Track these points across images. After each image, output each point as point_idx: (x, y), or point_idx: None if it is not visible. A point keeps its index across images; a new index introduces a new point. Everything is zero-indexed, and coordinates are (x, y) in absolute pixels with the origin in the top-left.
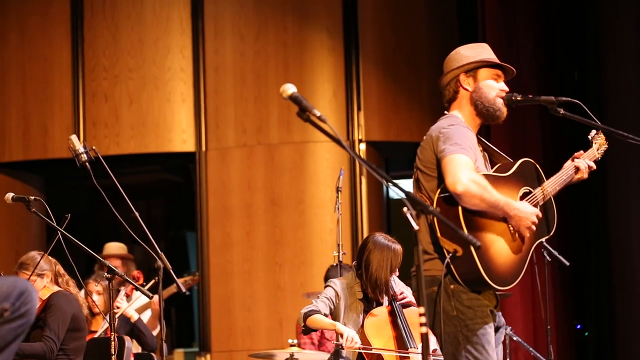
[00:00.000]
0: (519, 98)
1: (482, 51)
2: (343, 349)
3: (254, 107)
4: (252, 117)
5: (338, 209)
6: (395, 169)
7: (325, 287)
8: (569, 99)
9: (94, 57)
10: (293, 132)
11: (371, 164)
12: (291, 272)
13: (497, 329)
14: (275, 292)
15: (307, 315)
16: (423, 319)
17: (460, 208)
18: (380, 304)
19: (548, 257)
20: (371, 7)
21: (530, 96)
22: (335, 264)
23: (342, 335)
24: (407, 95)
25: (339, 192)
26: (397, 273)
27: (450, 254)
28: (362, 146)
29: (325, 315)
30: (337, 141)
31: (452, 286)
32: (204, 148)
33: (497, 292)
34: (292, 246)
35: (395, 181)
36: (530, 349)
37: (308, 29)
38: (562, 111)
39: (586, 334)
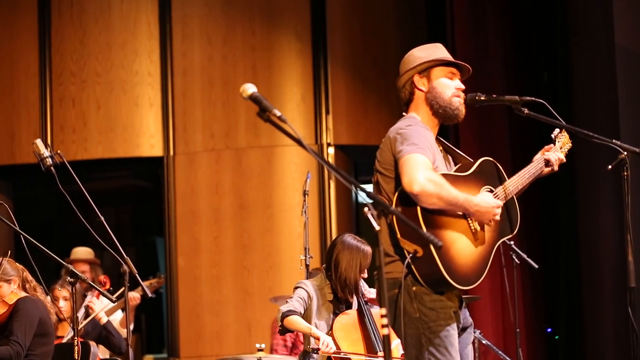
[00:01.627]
0: (482, 98)
1: (435, 51)
2: (318, 353)
3: (222, 111)
4: (220, 121)
5: (305, 212)
6: (364, 172)
7: (296, 288)
8: (533, 98)
9: (61, 61)
10: (261, 136)
11: (332, 165)
12: (259, 277)
13: (463, 330)
14: (244, 297)
15: (285, 315)
16: (385, 320)
17: (418, 208)
18: (350, 306)
19: (517, 260)
20: (339, 11)
21: (495, 96)
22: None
23: (317, 340)
24: (376, 98)
25: (306, 196)
26: (367, 275)
27: (411, 255)
28: (331, 150)
29: (300, 315)
30: (297, 141)
31: (414, 288)
32: (171, 152)
33: (461, 293)
34: (261, 251)
35: (361, 185)
36: (500, 352)
37: (276, 33)
38: (526, 111)
39: (556, 337)
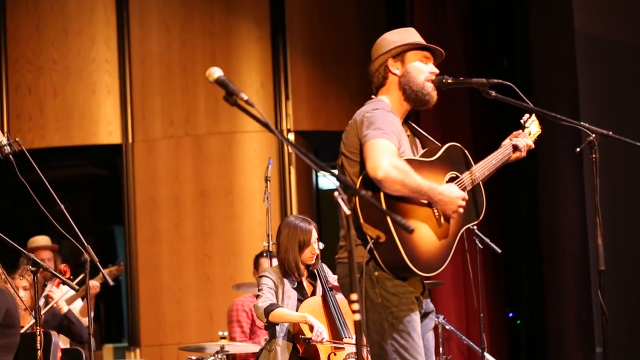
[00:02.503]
0: (449, 81)
1: (408, 35)
2: (309, 343)
3: (181, 98)
4: (179, 108)
5: (267, 198)
6: (324, 158)
7: (261, 277)
8: (501, 81)
9: (17, 48)
10: (221, 122)
11: (300, 148)
12: (221, 264)
13: (425, 315)
14: (205, 285)
15: (269, 310)
16: (356, 306)
17: (382, 194)
18: (315, 293)
19: (480, 245)
20: None
21: (462, 79)
22: (264, 252)
23: (312, 328)
24: (336, 84)
25: (268, 182)
26: (317, 252)
27: (373, 240)
28: (291, 136)
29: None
30: (265, 125)
31: (376, 273)
32: (130, 140)
33: (423, 279)
34: (222, 238)
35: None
36: (463, 337)
37: (235, 19)
38: (493, 93)
39: (518, 322)
